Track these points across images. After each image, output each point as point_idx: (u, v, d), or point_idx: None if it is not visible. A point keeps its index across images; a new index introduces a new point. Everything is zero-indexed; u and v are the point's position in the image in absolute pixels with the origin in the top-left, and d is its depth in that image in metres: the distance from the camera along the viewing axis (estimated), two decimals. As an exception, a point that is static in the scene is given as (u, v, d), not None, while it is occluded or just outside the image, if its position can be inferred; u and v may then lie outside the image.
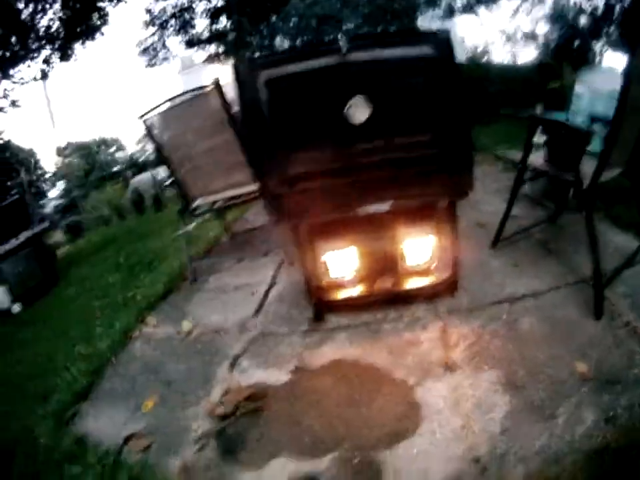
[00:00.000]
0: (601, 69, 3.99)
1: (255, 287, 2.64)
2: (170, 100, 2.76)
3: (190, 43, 13.39)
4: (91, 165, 31.85)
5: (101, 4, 8.65)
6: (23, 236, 4.23)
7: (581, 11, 13.83)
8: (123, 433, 1.74)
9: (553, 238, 2.66)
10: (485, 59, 15.53)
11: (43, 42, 8.46)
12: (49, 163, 31.75)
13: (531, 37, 15.53)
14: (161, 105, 2.77)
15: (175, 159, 2.87)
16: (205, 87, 2.60)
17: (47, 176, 30.62)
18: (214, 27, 13.35)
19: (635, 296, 1.96)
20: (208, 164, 2.82)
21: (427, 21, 13.47)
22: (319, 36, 9.24)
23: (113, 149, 35.16)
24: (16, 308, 3.77)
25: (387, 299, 2.12)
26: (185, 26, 13.36)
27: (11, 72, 8.32)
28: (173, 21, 13.38)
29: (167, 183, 3.21)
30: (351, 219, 2.01)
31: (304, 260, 2.03)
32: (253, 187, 2.74)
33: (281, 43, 10.49)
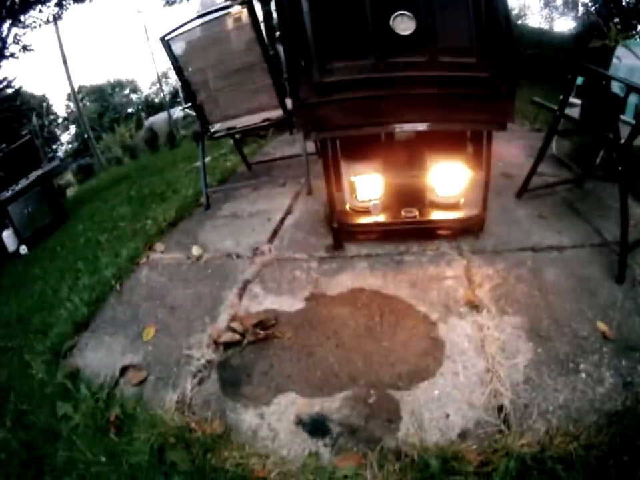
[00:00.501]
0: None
1: (271, 214, 2.56)
2: (195, 19, 2.62)
3: (211, -22, 12.88)
4: (104, 107, 31.61)
5: None
6: (33, 175, 4.19)
7: None
8: (119, 364, 1.66)
9: (578, 199, 2.56)
10: (519, 21, 15.03)
11: None
12: (61, 107, 31.67)
13: (570, 5, 14.96)
14: (185, 23, 2.63)
15: (196, 81, 2.73)
16: (233, 3, 2.45)
17: (59, 121, 30.55)
18: (239, -38, 12.82)
19: None
20: (230, 87, 2.68)
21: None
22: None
23: (127, 91, 34.83)
24: (23, 249, 3.73)
25: (411, 229, 2.03)
26: (206, -39, 12.86)
27: (22, 18, 8.08)
28: (194, -44, 12.88)
29: (183, 107, 3.06)
30: (381, 142, 1.91)
31: (328, 180, 1.92)
32: (277, 112, 2.63)
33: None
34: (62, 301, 2.20)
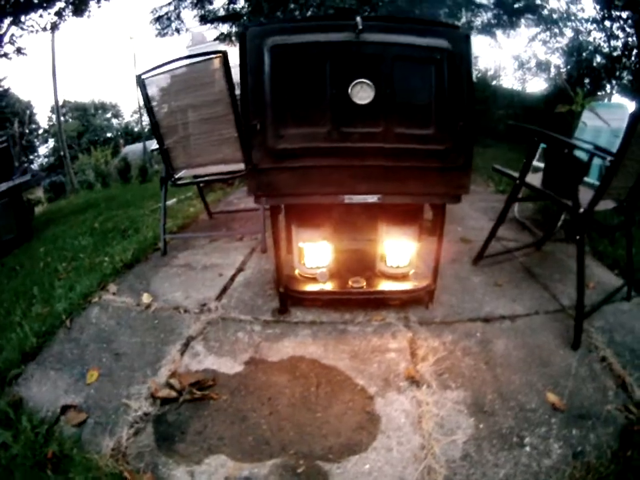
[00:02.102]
0: (610, 104, 4.00)
1: (224, 270, 2.55)
2: (172, 62, 2.66)
3: (204, 19, 13.19)
4: (85, 127, 31.55)
5: None
6: (3, 186, 4.10)
7: (597, 50, 14.06)
8: (61, 402, 1.62)
9: (537, 263, 2.63)
10: (494, 82, 15.71)
11: None
12: (43, 118, 31.53)
13: (543, 66, 15.74)
14: (161, 65, 2.67)
15: (166, 124, 2.75)
16: (211, 53, 2.51)
17: (40, 132, 30.27)
18: (231, 6, 13.20)
19: (613, 332, 1.94)
20: (199, 135, 2.72)
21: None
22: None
23: (109, 115, 34.90)
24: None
25: (358, 299, 2.02)
26: (202, 0, 13.20)
27: (22, 19, 8.11)
28: (190, -7, 13.21)
29: (153, 148, 3.07)
30: (333, 209, 1.92)
31: (277, 245, 1.91)
32: (241, 165, 2.64)
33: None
34: (13, 325, 2.16)
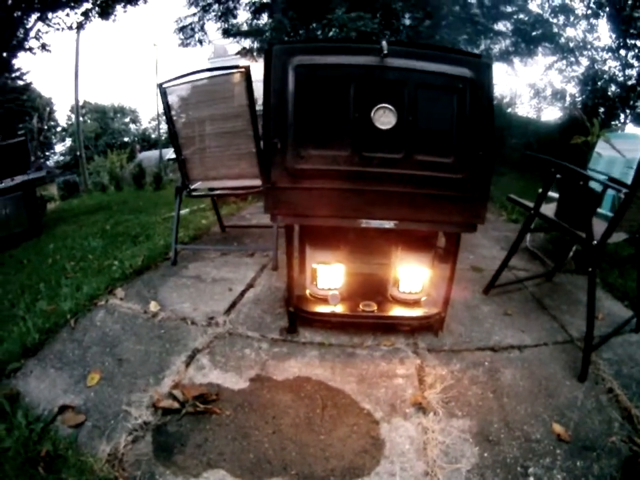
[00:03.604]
0: (625, 134, 4.03)
1: (233, 284, 2.56)
2: (194, 72, 2.70)
3: (227, 32, 13.43)
4: (103, 129, 32.03)
5: None
6: (19, 179, 4.20)
7: (612, 79, 14.11)
8: (59, 401, 1.63)
9: (547, 294, 2.62)
10: (510, 109, 15.76)
11: None
12: (62, 116, 32.01)
13: (559, 95, 15.80)
14: (183, 75, 2.71)
15: (185, 135, 2.79)
16: (234, 67, 2.55)
17: (58, 129, 30.75)
18: (254, 21, 13.41)
19: (621, 364, 1.95)
20: (216, 148, 2.75)
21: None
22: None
23: (127, 119, 35.41)
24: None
25: (368, 323, 2.02)
26: (226, 14, 13.44)
27: (49, 15, 8.26)
28: (216, 6, 13.46)
29: (169, 157, 3.11)
30: (348, 232, 1.91)
31: (290, 264, 1.91)
32: (257, 181, 2.68)
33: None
34: (16, 318, 2.20)
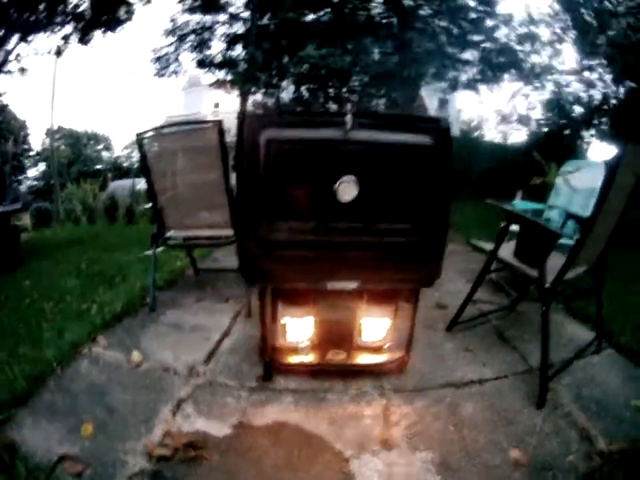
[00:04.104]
0: (584, 163, 4.29)
1: (210, 332, 2.65)
2: (170, 125, 2.82)
3: (201, 64, 13.63)
4: (76, 155, 31.64)
5: None
6: None
7: (577, 100, 14.70)
8: (57, 451, 1.68)
9: (509, 325, 2.80)
10: (476, 134, 16.30)
11: (68, 17, 8.47)
12: (35, 139, 31.62)
13: (524, 120, 16.39)
14: (160, 127, 2.82)
15: (160, 184, 2.89)
16: (207, 122, 2.67)
17: (32, 153, 30.25)
18: (228, 53, 13.66)
19: (580, 388, 2.12)
20: (190, 198, 2.87)
21: (430, 91, 14.15)
22: (325, 86, 9.57)
23: (100, 146, 35.07)
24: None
25: (338, 370, 2.17)
26: (201, 44, 13.66)
27: (31, 38, 8.30)
28: (192, 37, 13.67)
29: (146, 206, 3.20)
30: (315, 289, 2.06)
31: (263, 319, 2.07)
32: (230, 231, 2.80)
33: (287, 85, 10.82)
34: (1, 363, 2.21)
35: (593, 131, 14.52)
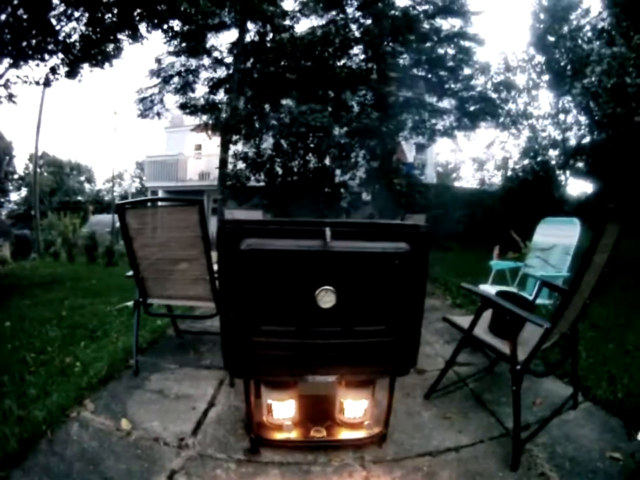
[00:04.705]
0: (562, 220, 4.49)
1: (196, 402, 2.69)
2: (153, 200, 2.91)
3: (184, 107, 13.87)
4: (58, 185, 31.46)
5: (120, 36, 8.92)
6: None
7: (553, 144, 15.34)
8: None
9: (486, 388, 2.91)
10: (454, 180, 16.84)
11: (59, 47, 8.59)
12: (19, 163, 31.31)
13: (501, 167, 17.03)
14: (142, 200, 2.90)
15: (141, 255, 2.94)
16: (190, 201, 2.74)
17: (15, 176, 29.94)
18: (211, 97, 13.97)
19: (555, 446, 2.23)
20: (172, 271, 2.93)
21: (409, 142, 14.64)
22: (305, 139, 9.87)
23: (83, 178, 34.96)
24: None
25: (320, 445, 2.25)
26: (185, 87, 13.95)
27: (22, 63, 8.38)
28: (176, 78, 13.96)
29: (128, 274, 3.20)
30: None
31: (248, 398, 2.16)
32: (210, 304, 2.89)
33: (267, 137, 11.12)
34: None
35: (569, 173, 15.16)
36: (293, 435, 2.24)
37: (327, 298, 1.81)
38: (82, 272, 8.02)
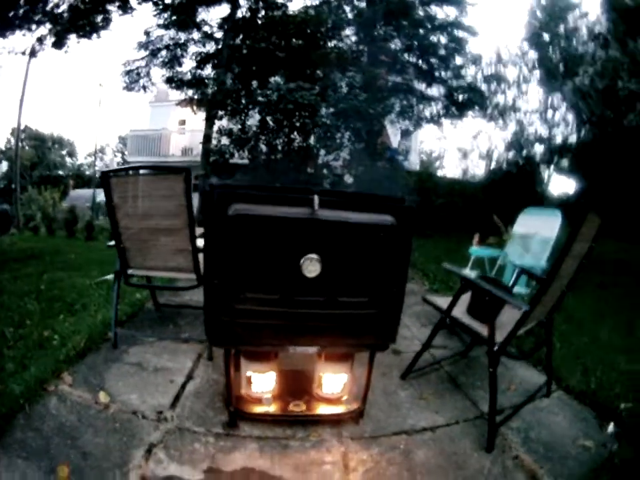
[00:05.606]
0: (544, 211, 4.57)
1: (174, 375, 2.69)
2: (139, 167, 2.84)
3: (170, 81, 13.62)
4: (40, 158, 30.81)
5: (109, 7, 8.68)
6: None
7: (539, 139, 15.50)
8: None
9: (462, 371, 2.97)
10: (437, 169, 16.91)
11: (47, 17, 8.34)
12: (0, 139, 30.58)
13: (485, 157, 17.15)
14: (128, 168, 2.83)
15: (124, 225, 2.89)
16: (176, 169, 2.69)
17: (-5, 150, 29.29)
18: (198, 72, 13.72)
19: (528, 431, 2.30)
20: (154, 241, 2.89)
21: (394, 127, 14.62)
22: (291, 117, 9.78)
23: (64, 152, 34.25)
24: None
25: (298, 419, 2.27)
26: (172, 61, 13.67)
27: (7, 34, 8.16)
28: (164, 52, 13.68)
29: (109, 244, 3.15)
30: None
31: (228, 371, 2.16)
32: (192, 275, 2.87)
33: (253, 113, 11.00)
34: None
35: (552, 168, 15.36)
36: (272, 408, 2.26)
37: (311, 267, 1.82)
38: (61, 246, 7.89)
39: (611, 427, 2.34)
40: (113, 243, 2.99)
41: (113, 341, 3.01)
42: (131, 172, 2.90)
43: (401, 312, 2.09)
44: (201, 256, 2.80)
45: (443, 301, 2.70)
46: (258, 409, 2.26)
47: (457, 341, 3.47)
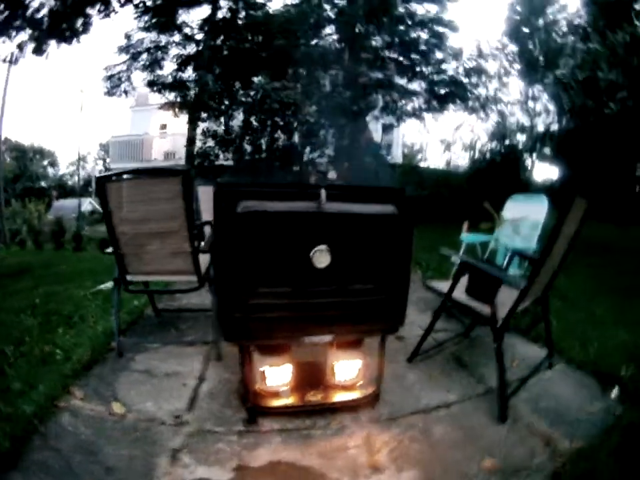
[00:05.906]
0: (530, 196, 4.65)
1: (185, 379, 2.66)
2: (134, 171, 2.80)
3: (152, 84, 13.52)
4: (21, 170, 30.22)
5: (89, 11, 8.55)
6: None
7: (521, 129, 15.68)
8: None
9: (465, 351, 3.04)
10: (420, 161, 17.03)
11: (26, 23, 8.20)
12: None
13: (468, 148, 17.31)
14: (123, 172, 2.80)
15: (121, 230, 2.81)
16: (173, 171, 2.69)
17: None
18: (179, 74, 13.63)
19: (537, 401, 2.39)
20: (153, 245, 2.84)
21: (377, 122, 14.70)
22: (274, 117, 9.77)
23: (46, 162, 33.64)
24: None
25: (317, 409, 2.30)
26: (153, 64, 13.56)
27: None
28: (145, 55, 13.57)
29: (107, 251, 3.05)
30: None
31: (243, 367, 2.19)
32: (192, 277, 2.85)
33: (236, 114, 10.97)
34: None
35: (535, 156, 15.56)
36: (290, 400, 2.29)
37: (322, 258, 1.87)
38: (51, 259, 7.78)
39: (614, 392, 2.42)
40: (111, 249, 2.91)
41: (117, 349, 2.95)
42: (125, 176, 2.84)
43: (407, 296, 2.15)
44: (201, 257, 2.83)
45: (443, 285, 2.76)
46: (275, 403, 2.28)
47: (455, 324, 3.52)
